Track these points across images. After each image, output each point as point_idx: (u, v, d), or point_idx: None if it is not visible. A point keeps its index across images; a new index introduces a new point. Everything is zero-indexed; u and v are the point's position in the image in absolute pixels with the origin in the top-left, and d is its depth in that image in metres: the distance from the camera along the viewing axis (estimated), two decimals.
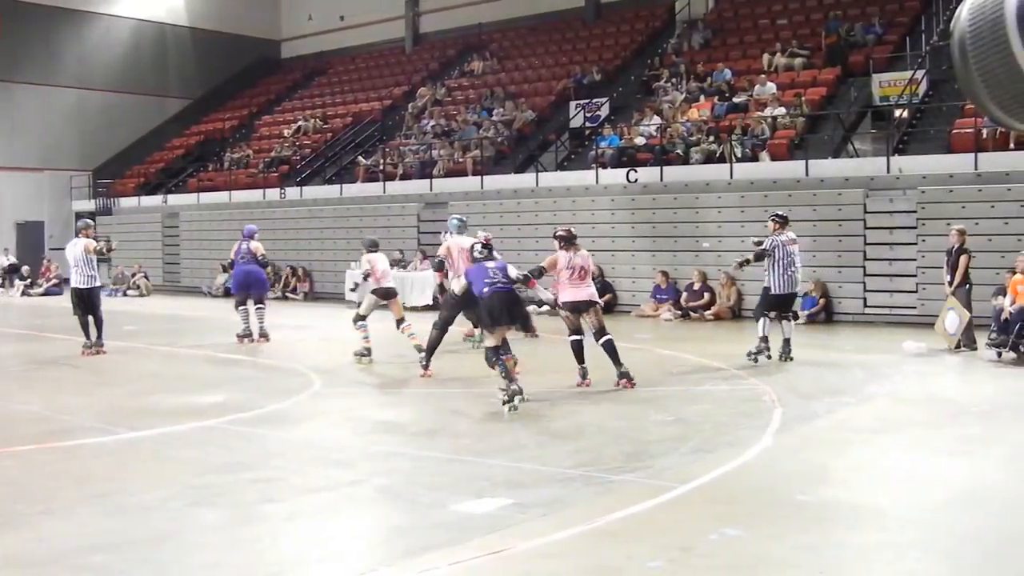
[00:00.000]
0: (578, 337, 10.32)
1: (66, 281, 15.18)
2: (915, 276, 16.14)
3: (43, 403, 9.89)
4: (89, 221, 14.51)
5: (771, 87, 20.17)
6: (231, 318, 15.97)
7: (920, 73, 18.67)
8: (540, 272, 10.29)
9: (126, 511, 5.94)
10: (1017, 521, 5.70)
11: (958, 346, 12.71)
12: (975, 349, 12.59)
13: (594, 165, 20.64)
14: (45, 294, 26.81)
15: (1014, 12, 2.33)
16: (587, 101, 23.56)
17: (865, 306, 16.75)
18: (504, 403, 8.97)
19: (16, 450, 7.70)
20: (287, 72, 38.11)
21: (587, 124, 23.25)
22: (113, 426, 8.60)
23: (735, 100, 20.60)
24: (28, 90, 32.79)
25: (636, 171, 19.60)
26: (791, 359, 11.95)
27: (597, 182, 20.20)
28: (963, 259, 12.81)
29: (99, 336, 13.62)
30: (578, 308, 10.29)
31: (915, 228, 16.23)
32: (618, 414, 8.92)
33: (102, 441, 8.08)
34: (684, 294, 18.14)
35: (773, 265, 11.90)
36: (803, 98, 19.43)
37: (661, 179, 19.29)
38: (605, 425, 8.39)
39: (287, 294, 24.70)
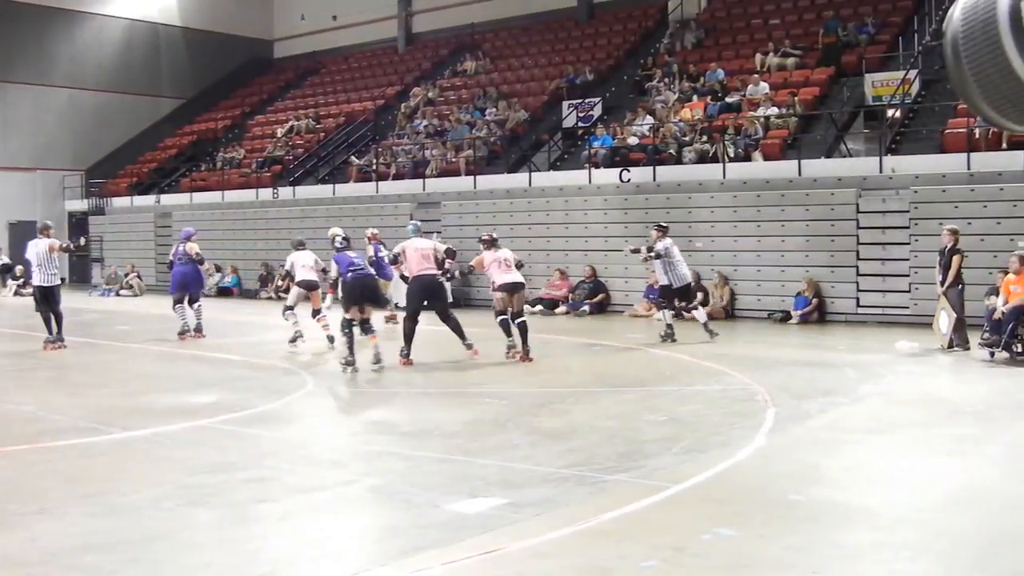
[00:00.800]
0: (504, 316, 12.41)
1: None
2: (908, 276, 16.18)
3: (36, 403, 9.85)
4: (48, 222, 15.02)
5: (764, 87, 20.18)
6: (224, 318, 15.98)
7: (913, 73, 18.68)
8: (470, 270, 13.53)
9: (119, 511, 5.92)
10: (1011, 521, 5.70)
11: (951, 346, 12.73)
12: (968, 349, 12.61)
13: (587, 165, 20.64)
14: None
15: (1006, 13, 2.34)
16: (580, 101, 23.58)
17: (858, 306, 16.78)
18: (342, 364, 11.36)
19: (9, 450, 7.68)
20: (280, 72, 38.04)
21: (580, 124, 23.25)
22: (106, 426, 8.58)
23: (728, 100, 20.60)
24: (21, 90, 32.70)
25: (629, 171, 19.61)
26: (716, 334, 14.04)
27: (590, 182, 20.20)
28: (956, 259, 12.80)
29: (59, 331, 14.25)
30: (511, 289, 12.45)
31: (908, 228, 16.26)
32: (611, 414, 8.92)
33: (95, 441, 8.07)
34: None
35: (667, 266, 14.01)
36: (796, 98, 19.46)
37: (654, 179, 19.29)
38: (598, 425, 8.39)
39: (280, 294, 24.61)
